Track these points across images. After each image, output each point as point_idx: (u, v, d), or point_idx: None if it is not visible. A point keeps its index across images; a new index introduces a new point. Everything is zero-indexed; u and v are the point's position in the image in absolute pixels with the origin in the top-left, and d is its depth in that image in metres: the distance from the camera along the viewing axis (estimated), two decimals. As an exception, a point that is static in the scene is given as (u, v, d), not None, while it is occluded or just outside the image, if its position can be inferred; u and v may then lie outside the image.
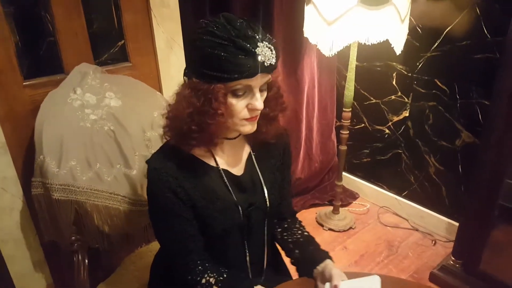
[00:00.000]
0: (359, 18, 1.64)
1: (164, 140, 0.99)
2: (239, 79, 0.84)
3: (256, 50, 0.82)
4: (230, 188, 0.99)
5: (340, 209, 2.38)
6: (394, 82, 2.20)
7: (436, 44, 1.95)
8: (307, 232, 1.13)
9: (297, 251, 1.06)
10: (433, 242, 2.16)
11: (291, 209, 1.20)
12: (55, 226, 1.33)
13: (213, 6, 1.76)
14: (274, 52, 0.86)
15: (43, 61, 1.47)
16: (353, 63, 1.96)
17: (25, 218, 1.48)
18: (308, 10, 1.80)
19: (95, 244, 1.37)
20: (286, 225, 1.15)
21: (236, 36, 0.82)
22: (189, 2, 1.67)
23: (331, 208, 2.38)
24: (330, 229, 2.29)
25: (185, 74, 0.92)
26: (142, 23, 1.58)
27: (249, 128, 0.93)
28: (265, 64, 0.84)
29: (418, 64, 2.07)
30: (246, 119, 0.91)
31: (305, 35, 1.86)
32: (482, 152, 1.66)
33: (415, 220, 2.33)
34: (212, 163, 0.99)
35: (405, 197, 2.38)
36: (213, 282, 0.93)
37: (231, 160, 1.02)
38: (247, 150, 1.06)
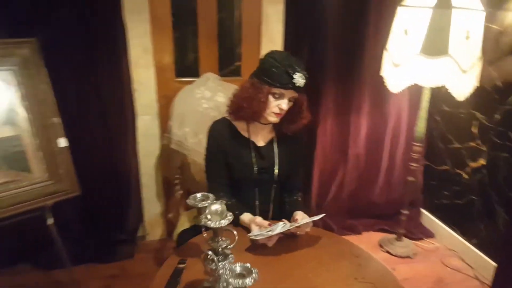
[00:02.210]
0: (419, 65, 1.98)
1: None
2: (278, 87, 1.43)
3: (293, 75, 1.40)
4: (252, 153, 1.57)
5: (406, 239, 2.56)
6: (474, 130, 2.34)
7: (512, 98, 2.07)
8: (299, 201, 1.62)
9: (287, 206, 1.56)
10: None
11: (297, 186, 1.69)
12: (169, 166, 2.13)
13: (311, 47, 2.36)
14: (304, 80, 1.42)
15: (188, 68, 2.36)
16: (424, 104, 2.24)
17: (158, 159, 2.35)
18: (385, 54, 2.21)
19: (188, 186, 2.11)
20: (290, 195, 1.66)
21: (286, 64, 1.41)
22: (289, 41, 2.32)
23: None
24: (387, 252, 2.50)
25: (251, 76, 1.54)
26: (254, 52, 2.31)
27: (274, 119, 1.50)
28: (296, 84, 1.40)
29: (495, 115, 2.19)
30: (274, 113, 1.48)
31: (381, 73, 2.26)
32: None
33: (481, 270, 2.33)
34: (246, 135, 1.58)
35: (475, 245, 2.40)
36: (224, 203, 1.50)
37: (259, 136, 1.60)
38: (272, 134, 1.62)
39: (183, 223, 1.82)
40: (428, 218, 2.78)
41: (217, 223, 0.97)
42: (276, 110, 1.46)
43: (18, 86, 1.81)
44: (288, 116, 1.52)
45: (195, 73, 2.31)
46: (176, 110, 2.07)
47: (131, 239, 2.41)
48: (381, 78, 2.29)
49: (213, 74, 2.20)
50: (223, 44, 2.34)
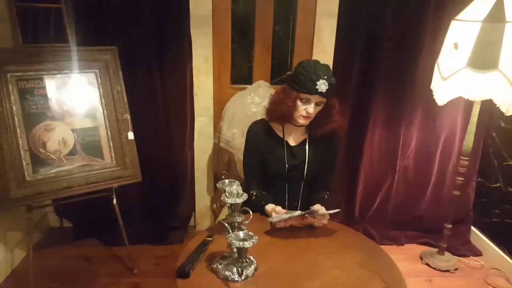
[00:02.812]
0: (465, 78, 1.99)
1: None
2: (304, 93, 1.58)
3: (317, 82, 1.54)
4: (285, 151, 1.73)
5: (448, 254, 2.52)
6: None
7: None
8: (325, 198, 1.74)
9: (313, 201, 1.67)
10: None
11: (325, 185, 1.81)
12: (218, 163, 2.36)
13: (362, 60, 2.45)
14: (328, 86, 1.55)
15: (242, 75, 2.58)
16: (474, 118, 2.23)
17: (210, 157, 2.60)
18: (435, 67, 2.23)
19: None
20: (317, 192, 1.78)
21: (312, 72, 1.56)
22: (340, 53, 2.44)
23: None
24: (426, 264, 2.49)
25: (283, 82, 1.72)
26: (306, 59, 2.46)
27: (303, 122, 1.65)
28: (319, 90, 1.55)
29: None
30: (302, 116, 1.63)
31: (431, 86, 2.28)
32: None
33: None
34: (280, 135, 1.75)
35: (525, 267, 2.31)
36: (254, 194, 1.69)
37: (292, 137, 1.76)
38: (304, 136, 1.77)
39: (224, 214, 2.02)
40: (477, 237, 2.70)
41: (233, 200, 1.15)
42: (304, 114, 1.62)
43: (98, 86, 2.16)
44: (318, 119, 1.67)
45: (249, 81, 2.52)
46: (227, 113, 2.29)
47: (182, 227, 2.68)
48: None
49: (264, 82, 2.39)
50: (277, 54, 2.54)
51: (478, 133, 2.61)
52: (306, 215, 1.50)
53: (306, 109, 1.61)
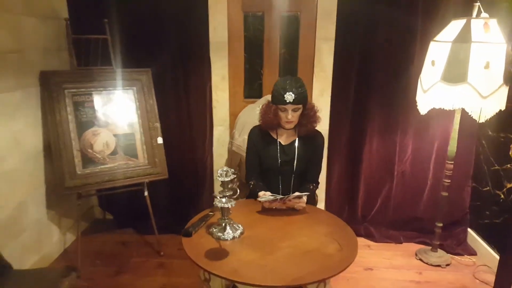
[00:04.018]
0: (441, 90, 2.29)
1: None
2: (279, 104, 2.00)
3: (285, 95, 1.95)
4: (278, 149, 2.11)
5: (442, 251, 2.75)
6: (511, 152, 2.49)
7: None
8: (309, 188, 2.10)
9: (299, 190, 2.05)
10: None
11: (313, 178, 2.17)
12: (231, 164, 2.78)
13: (358, 74, 2.81)
14: (294, 96, 1.95)
15: (253, 91, 3.01)
16: (456, 126, 2.50)
17: (226, 160, 3.03)
18: (419, 82, 2.54)
19: (242, 178, 2.72)
20: (304, 183, 2.15)
21: (280, 87, 1.98)
22: (338, 70, 2.81)
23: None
24: (420, 259, 2.73)
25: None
26: (308, 79, 2.84)
27: (288, 126, 2.06)
28: (287, 101, 1.95)
29: (525, 138, 2.34)
30: (286, 121, 2.03)
31: (416, 98, 2.58)
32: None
33: (513, 288, 2.42)
34: (274, 136, 2.15)
35: (511, 264, 2.49)
36: (252, 183, 2.09)
37: (283, 137, 2.15)
38: (294, 136, 2.15)
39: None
40: (473, 237, 2.90)
41: (223, 178, 1.56)
42: (285, 120, 2.02)
43: (135, 100, 2.68)
44: (301, 121, 2.07)
45: (259, 95, 2.95)
46: (239, 122, 2.72)
47: (203, 221, 3.11)
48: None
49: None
50: (282, 73, 2.95)
51: (470, 141, 2.88)
52: (287, 198, 1.88)
53: (286, 116, 2.01)
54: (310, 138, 2.12)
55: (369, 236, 3.04)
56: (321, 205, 3.10)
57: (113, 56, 2.65)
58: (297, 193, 1.89)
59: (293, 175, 2.14)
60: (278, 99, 1.99)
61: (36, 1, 2.47)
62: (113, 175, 2.54)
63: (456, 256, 2.79)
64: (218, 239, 1.63)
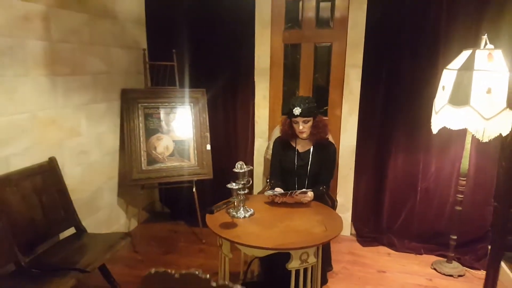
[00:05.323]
0: (448, 112, 2.58)
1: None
2: (290, 117, 2.49)
3: (293, 109, 2.42)
4: (296, 155, 2.56)
5: (456, 263, 2.92)
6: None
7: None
8: (319, 189, 2.49)
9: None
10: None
11: (323, 181, 2.55)
12: (266, 170, 3.27)
13: (383, 103, 3.17)
14: (301, 109, 2.40)
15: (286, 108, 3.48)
16: (467, 145, 2.74)
17: (264, 165, 3.52)
18: (433, 105, 2.83)
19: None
20: (317, 185, 2.53)
21: (291, 103, 2.47)
22: (365, 95, 3.19)
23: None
24: (434, 269, 2.93)
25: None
26: (338, 99, 3.27)
27: (302, 135, 2.50)
28: (295, 114, 2.41)
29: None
30: (299, 132, 2.48)
31: (431, 120, 2.86)
32: None
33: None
34: (293, 145, 2.60)
35: (522, 279, 2.62)
36: (272, 182, 2.55)
37: (301, 146, 2.59)
38: (310, 145, 2.58)
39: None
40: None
41: (238, 170, 2.05)
42: (298, 130, 2.48)
43: (191, 114, 3.31)
44: (312, 132, 2.51)
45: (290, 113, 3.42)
46: (273, 134, 3.21)
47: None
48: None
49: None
50: (316, 93, 3.40)
51: (491, 162, 3.04)
52: (294, 193, 2.31)
53: (298, 127, 2.46)
54: (324, 148, 2.55)
55: (391, 245, 3.28)
56: (347, 214, 3.43)
57: (178, 79, 3.32)
58: (303, 190, 2.32)
59: (307, 177, 2.56)
60: (290, 113, 2.47)
61: (123, 36, 3.25)
62: (169, 172, 3.16)
63: (471, 270, 2.93)
64: (233, 217, 2.13)
